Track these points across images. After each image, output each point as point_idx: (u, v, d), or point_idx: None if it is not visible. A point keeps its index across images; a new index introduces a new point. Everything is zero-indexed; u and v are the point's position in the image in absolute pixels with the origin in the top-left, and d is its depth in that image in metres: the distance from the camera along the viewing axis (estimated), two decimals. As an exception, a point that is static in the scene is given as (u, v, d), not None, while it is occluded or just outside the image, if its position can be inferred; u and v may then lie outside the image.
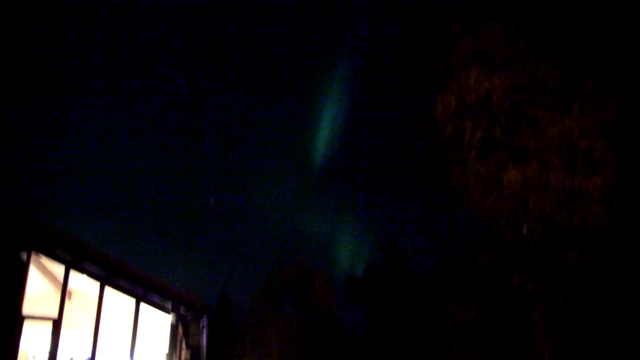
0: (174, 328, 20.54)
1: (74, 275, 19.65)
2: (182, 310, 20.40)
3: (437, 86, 19.10)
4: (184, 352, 21.62)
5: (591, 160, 16.76)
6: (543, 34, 17.93)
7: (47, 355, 18.83)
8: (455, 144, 18.68)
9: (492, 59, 18.39)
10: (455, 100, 18.53)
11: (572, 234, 16.92)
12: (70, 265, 19.48)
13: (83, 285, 20.51)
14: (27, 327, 18.74)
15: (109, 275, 19.80)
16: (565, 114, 17.12)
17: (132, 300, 20.15)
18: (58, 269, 19.96)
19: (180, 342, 20.95)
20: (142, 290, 20.05)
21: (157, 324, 21.26)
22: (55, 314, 19.04)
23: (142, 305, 20.11)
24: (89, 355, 19.39)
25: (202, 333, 21.19)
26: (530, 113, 17.67)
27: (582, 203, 16.80)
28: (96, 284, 19.89)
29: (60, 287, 19.65)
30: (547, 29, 17.94)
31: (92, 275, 19.69)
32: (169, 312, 20.38)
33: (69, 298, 20.66)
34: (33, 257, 19.03)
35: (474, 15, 19.03)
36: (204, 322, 20.89)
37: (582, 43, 17.94)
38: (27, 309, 18.80)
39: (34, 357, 21.59)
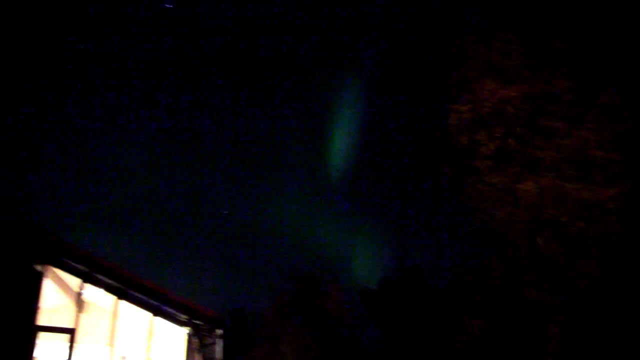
0: (188, 340, 20.57)
1: (89, 287, 19.74)
2: (196, 322, 20.43)
3: (451, 97, 19.07)
4: (198, 364, 21.63)
5: (607, 171, 16.67)
6: (557, 45, 17.88)
7: (62, 367, 18.93)
8: (469, 154, 18.64)
9: (506, 70, 18.35)
10: (470, 111, 18.49)
11: (587, 245, 16.83)
12: (85, 278, 19.59)
13: (98, 297, 20.57)
14: (43, 338, 18.83)
15: (124, 288, 19.88)
16: (580, 125, 17.04)
17: (147, 313, 20.21)
18: (73, 282, 20.05)
19: (195, 354, 20.96)
20: (157, 303, 20.11)
21: (172, 336, 21.28)
22: (70, 326, 19.12)
23: (157, 317, 20.17)
24: (104, 367, 19.49)
25: (216, 345, 21.17)
26: (544, 124, 17.61)
27: (598, 214, 16.72)
28: (111, 297, 19.97)
29: (76, 299, 19.75)
30: (561, 39, 17.89)
31: (107, 288, 19.78)
32: (183, 325, 20.42)
33: (84, 310, 20.70)
34: (48, 270, 19.14)
35: (487, 26, 19.00)
36: (218, 334, 20.88)
37: (597, 53, 17.87)
38: (42, 320, 18.89)
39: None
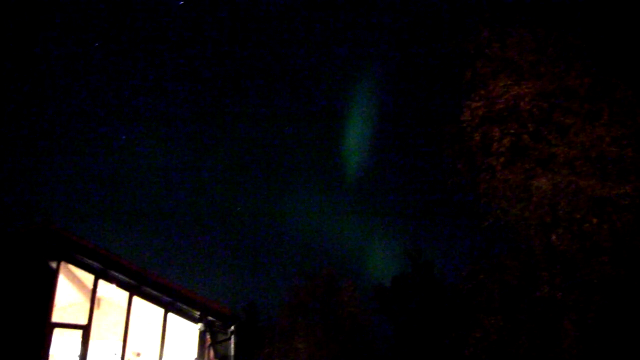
0: (201, 336, 20.63)
1: (103, 284, 19.84)
2: (209, 318, 20.48)
3: (465, 93, 19.01)
4: (211, 360, 21.70)
5: (621, 167, 16.57)
6: (572, 40, 17.80)
7: (76, 363, 19.04)
8: (482, 151, 18.57)
9: (520, 66, 18.28)
10: (483, 107, 18.42)
11: (602, 241, 16.74)
12: (99, 274, 19.70)
13: (112, 293, 20.68)
14: (57, 334, 18.94)
15: (138, 284, 19.97)
16: (595, 121, 16.94)
17: (160, 309, 20.28)
18: (87, 278, 20.16)
19: (208, 350, 21.03)
20: (170, 299, 20.19)
21: (185, 332, 21.35)
22: (84, 322, 19.22)
23: (170, 313, 20.24)
24: (118, 363, 19.56)
25: (229, 341, 21.23)
26: (559, 120, 17.52)
27: (612, 211, 16.62)
28: (125, 293, 20.06)
29: (90, 296, 19.84)
30: (576, 35, 17.81)
31: (120, 284, 19.88)
32: (196, 321, 20.47)
33: (98, 306, 20.82)
34: (63, 267, 19.26)
35: (501, 21, 18.92)
36: (231, 330, 20.93)
37: (612, 49, 17.77)
38: (56, 317, 19.01)
39: (63, 364, 21.79)
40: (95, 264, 19.62)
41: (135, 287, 20.02)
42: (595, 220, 16.71)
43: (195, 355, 20.47)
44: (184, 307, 20.51)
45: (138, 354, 22.09)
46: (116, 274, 19.78)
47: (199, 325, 20.50)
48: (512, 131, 18.02)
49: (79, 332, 19.23)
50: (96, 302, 20.03)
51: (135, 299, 20.11)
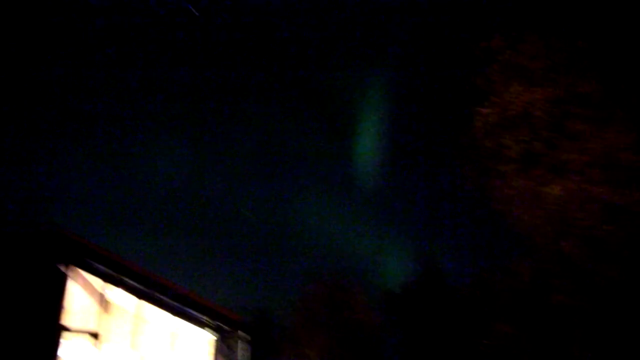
0: (213, 343, 20.62)
1: (113, 289, 19.84)
2: (220, 325, 20.47)
3: (477, 100, 18.96)
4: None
5: (633, 174, 16.50)
6: (584, 46, 17.73)
7: (86, 369, 19.01)
8: (495, 157, 18.53)
9: (532, 72, 18.22)
10: (495, 114, 18.38)
11: (613, 248, 16.66)
12: (108, 279, 19.69)
13: (122, 299, 20.67)
14: (67, 339, 18.93)
15: (148, 290, 19.96)
16: (607, 128, 16.87)
17: (171, 316, 20.27)
18: (98, 283, 20.16)
19: (219, 357, 21.01)
20: (180, 305, 20.17)
21: (196, 339, 21.32)
22: (94, 327, 19.21)
23: (181, 320, 20.22)
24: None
25: (241, 348, 21.20)
26: (571, 126, 17.46)
27: (624, 217, 16.54)
28: (135, 299, 20.06)
29: (100, 301, 19.84)
30: (588, 40, 17.74)
31: (130, 289, 19.87)
32: (207, 328, 20.46)
33: (108, 311, 20.80)
34: (72, 271, 19.26)
35: (513, 28, 18.88)
36: (243, 337, 20.91)
37: (624, 55, 17.69)
38: (66, 321, 19.00)
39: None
40: (105, 269, 19.63)
41: (145, 292, 20.03)
42: (606, 228, 16.64)
43: (206, 362, 20.49)
44: (195, 313, 20.51)
45: (147, 360, 22.09)
46: (126, 279, 19.79)
47: (210, 332, 20.50)
48: (524, 138, 17.98)
49: (89, 338, 19.23)
50: (106, 307, 20.04)
51: (145, 304, 20.12)
